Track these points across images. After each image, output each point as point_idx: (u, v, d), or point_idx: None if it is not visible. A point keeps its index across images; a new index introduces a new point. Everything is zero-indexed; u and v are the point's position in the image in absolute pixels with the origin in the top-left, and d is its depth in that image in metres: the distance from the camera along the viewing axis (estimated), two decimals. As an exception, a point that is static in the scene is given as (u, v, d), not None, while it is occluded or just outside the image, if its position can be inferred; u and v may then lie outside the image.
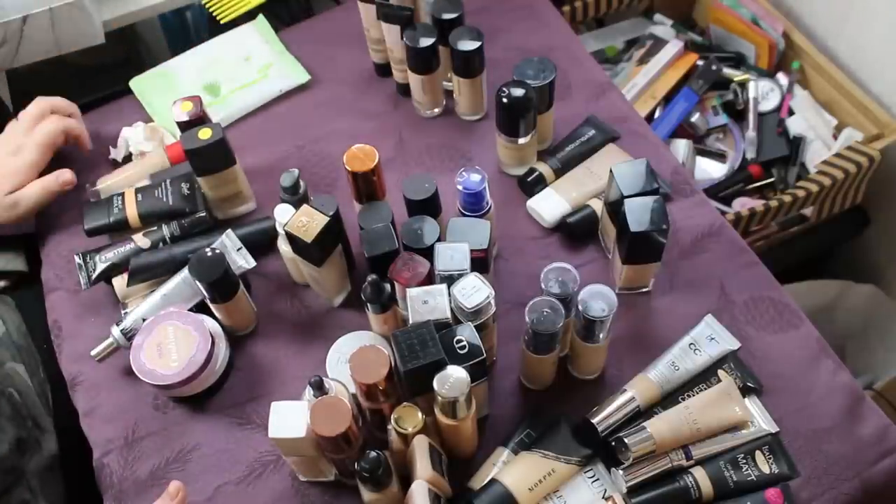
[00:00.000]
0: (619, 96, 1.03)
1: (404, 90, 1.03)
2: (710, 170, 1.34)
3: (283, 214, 0.80)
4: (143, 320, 0.83)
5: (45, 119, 0.93)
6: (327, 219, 0.77)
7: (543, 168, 0.94)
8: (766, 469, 0.75)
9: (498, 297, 0.74)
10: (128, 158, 1.00)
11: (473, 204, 0.80)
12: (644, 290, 0.87)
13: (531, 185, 0.93)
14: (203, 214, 0.89)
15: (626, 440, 0.72)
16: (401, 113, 1.03)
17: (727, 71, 1.38)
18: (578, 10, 1.46)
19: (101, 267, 0.86)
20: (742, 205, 1.28)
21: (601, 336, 0.75)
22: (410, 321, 0.71)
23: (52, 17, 1.05)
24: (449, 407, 0.68)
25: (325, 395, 0.70)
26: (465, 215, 0.81)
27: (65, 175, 0.93)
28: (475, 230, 0.77)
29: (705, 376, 0.79)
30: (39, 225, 0.98)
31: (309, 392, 0.71)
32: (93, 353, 0.83)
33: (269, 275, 0.91)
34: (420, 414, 0.69)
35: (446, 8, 0.94)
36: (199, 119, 0.89)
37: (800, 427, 0.78)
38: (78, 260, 0.88)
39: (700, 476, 0.74)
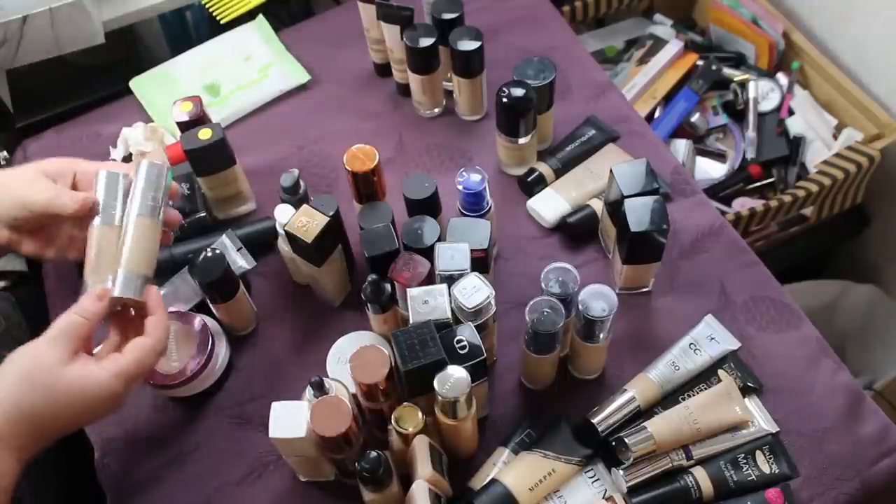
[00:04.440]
0: (619, 96, 1.04)
1: (404, 90, 1.03)
2: (710, 170, 1.34)
3: (283, 214, 0.80)
4: (143, 320, 0.83)
5: None
6: (327, 219, 0.77)
7: (543, 168, 0.94)
8: (766, 469, 0.75)
9: (498, 297, 0.74)
10: (128, 158, 1.00)
11: (473, 204, 0.80)
12: (644, 290, 0.87)
13: (531, 185, 0.93)
14: (203, 214, 0.89)
15: (626, 440, 0.72)
16: (401, 113, 1.03)
17: (727, 71, 1.38)
18: (578, 10, 1.46)
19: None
20: (742, 205, 1.28)
21: (601, 336, 0.75)
22: (411, 321, 0.71)
23: (52, 17, 1.05)
24: (449, 407, 0.68)
25: (325, 395, 0.70)
26: (465, 215, 0.81)
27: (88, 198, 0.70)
28: (475, 230, 0.77)
29: (705, 376, 0.79)
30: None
31: (309, 392, 0.71)
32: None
33: (269, 275, 0.91)
34: (420, 414, 0.69)
35: (446, 8, 0.94)
36: (199, 119, 0.89)
37: (800, 427, 0.78)
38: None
39: (700, 476, 0.74)
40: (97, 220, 0.70)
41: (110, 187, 0.71)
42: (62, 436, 0.66)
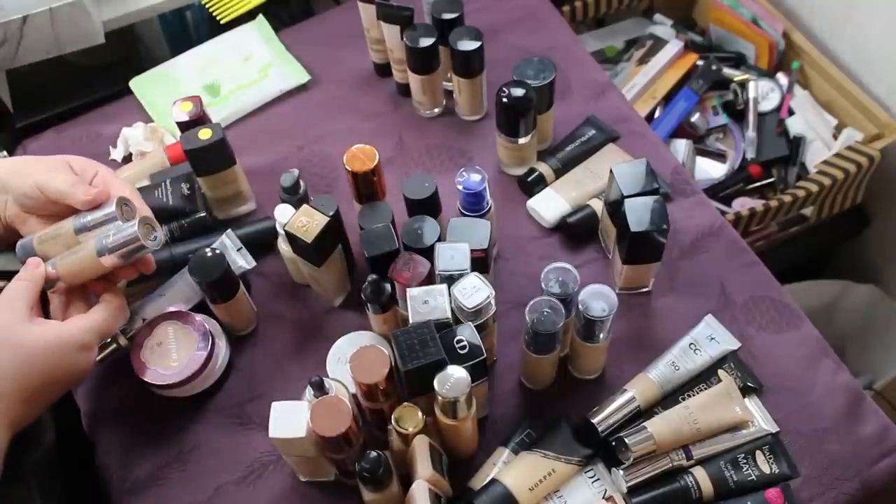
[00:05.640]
0: (619, 96, 1.04)
1: (404, 90, 1.03)
2: (710, 170, 1.34)
3: (283, 214, 0.80)
4: (144, 320, 0.83)
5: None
6: (327, 219, 0.77)
7: (543, 168, 0.94)
8: (766, 469, 0.75)
9: (498, 297, 0.74)
10: (128, 158, 1.00)
11: (473, 204, 0.80)
12: (644, 290, 0.87)
13: (531, 185, 0.93)
14: (203, 214, 0.89)
15: (626, 440, 0.72)
16: (401, 113, 1.03)
17: (727, 71, 1.38)
18: (578, 10, 1.46)
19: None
20: (742, 205, 1.28)
21: (601, 336, 0.75)
22: (410, 321, 0.71)
23: (52, 17, 1.05)
24: (449, 407, 0.68)
25: (325, 394, 0.70)
26: (465, 215, 0.81)
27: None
28: (475, 230, 0.77)
29: (705, 376, 0.79)
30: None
31: (309, 392, 0.71)
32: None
33: (269, 275, 0.91)
34: (420, 414, 0.69)
35: (446, 8, 0.94)
36: (199, 119, 0.89)
37: (800, 427, 0.78)
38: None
39: (700, 476, 0.74)
40: (70, 221, 0.74)
41: (107, 215, 0.73)
42: (45, 400, 0.68)
